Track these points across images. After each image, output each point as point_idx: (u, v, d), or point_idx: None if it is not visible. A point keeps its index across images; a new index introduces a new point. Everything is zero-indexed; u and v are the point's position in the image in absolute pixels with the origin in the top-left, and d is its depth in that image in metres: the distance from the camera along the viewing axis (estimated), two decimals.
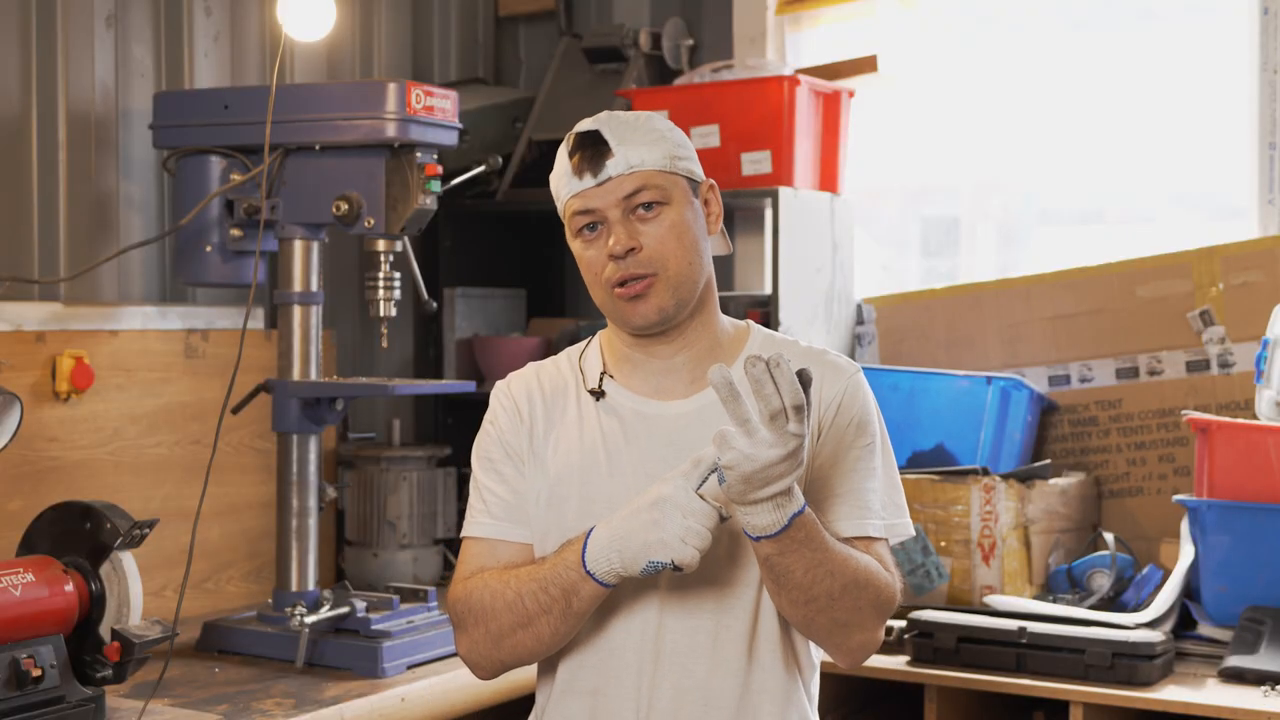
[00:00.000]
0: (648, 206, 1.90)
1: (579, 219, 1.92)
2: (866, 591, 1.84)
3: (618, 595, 1.90)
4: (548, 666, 1.98)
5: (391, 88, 2.81)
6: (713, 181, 2.01)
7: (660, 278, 1.90)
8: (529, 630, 1.87)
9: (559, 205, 1.97)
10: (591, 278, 1.93)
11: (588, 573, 1.81)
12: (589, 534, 1.82)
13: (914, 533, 2.02)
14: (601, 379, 1.98)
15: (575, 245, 1.95)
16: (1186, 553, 3.03)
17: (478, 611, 1.90)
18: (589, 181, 1.90)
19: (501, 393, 2.02)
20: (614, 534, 1.79)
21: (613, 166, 1.90)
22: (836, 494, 1.92)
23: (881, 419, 2.00)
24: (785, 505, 1.73)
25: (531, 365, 2.05)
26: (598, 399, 1.97)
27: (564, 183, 1.94)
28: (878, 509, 1.94)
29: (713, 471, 1.75)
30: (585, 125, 1.93)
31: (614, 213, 1.90)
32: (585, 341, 2.06)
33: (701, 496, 1.76)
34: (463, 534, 2.01)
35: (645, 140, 1.92)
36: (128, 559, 2.39)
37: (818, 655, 2.00)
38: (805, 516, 1.75)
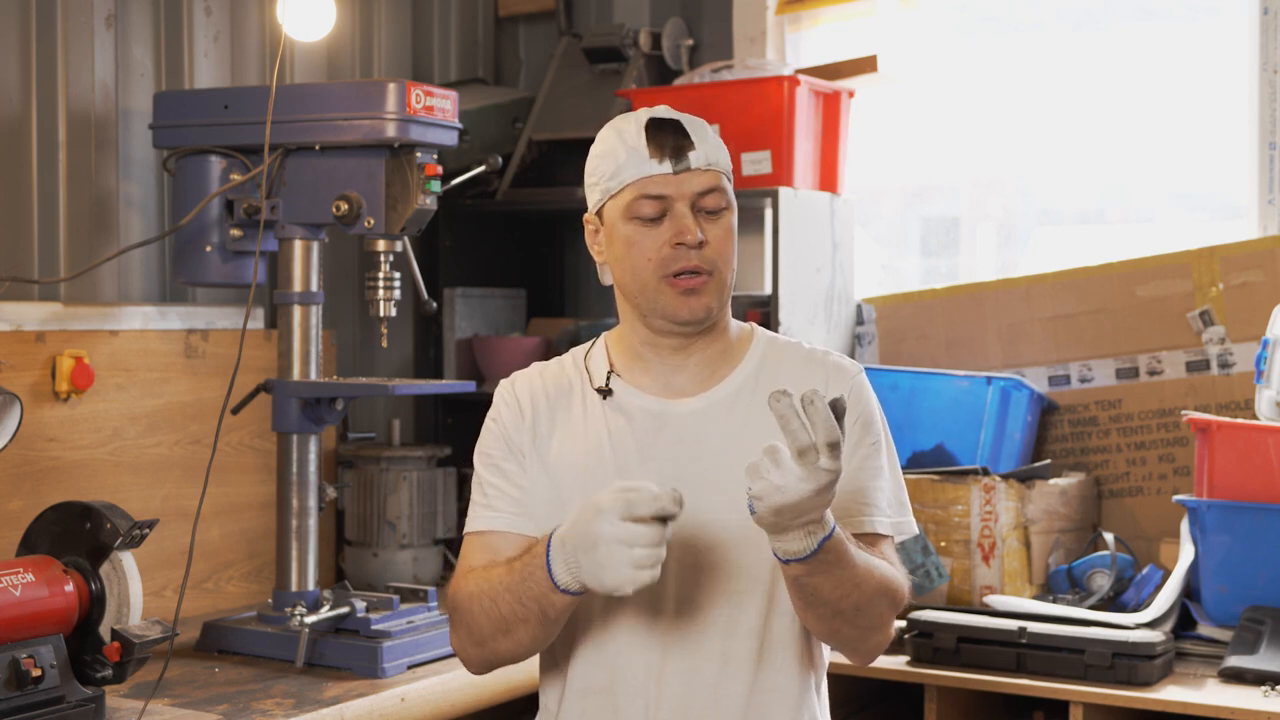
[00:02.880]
0: (714, 210, 1.91)
1: (645, 203, 1.89)
2: (885, 597, 1.86)
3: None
4: (554, 665, 1.98)
5: (391, 88, 2.81)
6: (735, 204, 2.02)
7: (715, 278, 1.91)
8: (509, 637, 1.87)
9: (609, 185, 1.92)
10: (642, 262, 1.90)
11: (555, 585, 1.78)
12: (549, 543, 1.79)
13: (918, 530, 2.03)
14: (609, 378, 1.98)
15: (627, 229, 1.91)
16: (1186, 553, 3.03)
17: (463, 611, 1.91)
18: (667, 167, 1.89)
19: (505, 390, 2.02)
20: (570, 554, 1.76)
21: (694, 159, 1.90)
22: (844, 493, 1.91)
23: (884, 418, 2.01)
24: (816, 531, 1.72)
25: (536, 365, 2.05)
26: (605, 397, 1.97)
27: (630, 164, 1.90)
28: (884, 507, 1.95)
29: (656, 505, 1.71)
30: (659, 112, 1.92)
31: (683, 204, 1.89)
32: (589, 343, 2.06)
33: (641, 520, 1.70)
34: (465, 530, 2.01)
35: (717, 143, 1.94)
36: (128, 559, 2.39)
37: (827, 654, 2.00)
38: (835, 539, 1.75)
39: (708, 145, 1.92)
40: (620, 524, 1.71)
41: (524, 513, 1.95)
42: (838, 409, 1.66)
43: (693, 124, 1.92)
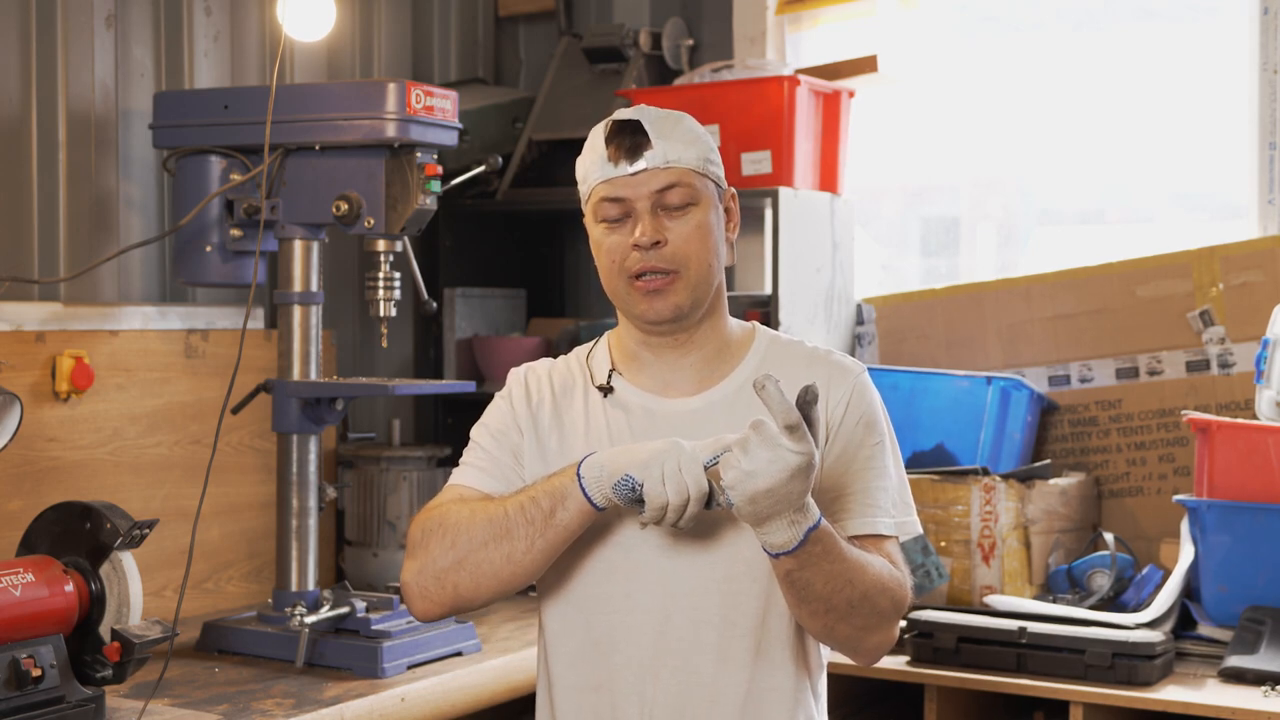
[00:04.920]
0: (677, 206, 1.90)
1: (607, 206, 1.91)
2: (884, 595, 1.85)
3: (622, 589, 1.90)
4: (551, 663, 1.97)
5: (391, 88, 2.81)
6: (734, 190, 2.02)
7: (681, 276, 1.90)
8: (502, 545, 1.83)
9: (583, 189, 1.96)
10: (610, 265, 1.92)
11: (578, 476, 1.80)
12: (592, 452, 1.83)
13: (921, 530, 2.02)
14: (610, 375, 1.99)
15: (596, 231, 1.94)
16: (1186, 553, 3.03)
17: (450, 525, 1.86)
18: (624, 169, 1.90)
19: (518, 375, 2.04)
20: (613, 451, 1.81)
21: (650, 158, 1.89)
22: (847, 493, 1.92)
23: (888, 417, 2.00)
24: (800, 522, 1.73)
25: (545, 360, 2.06)
26: (605, 394, 1.97)
27: (595, 167, 1.93)
28: (888, 507, 1.94)
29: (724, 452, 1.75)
30: (624, 114, 1.92)
31: (643, 204, 1.90)
32: (593, 342, 2.07)
33: (709, 477, 1.75)
34: (450, 482, 1.99)
35: (683, 138, 1.92)
36: (128, 559, 2.39)
37: (826, 655, 2.00)
38: (821, 530, 1.75)
39: (669, 142, 1.90)
40: (696, 456, 1.74)
41: (505, 481, 1.95)
42: (809, 395, 1.69)
43: (659, 122, 1.92)
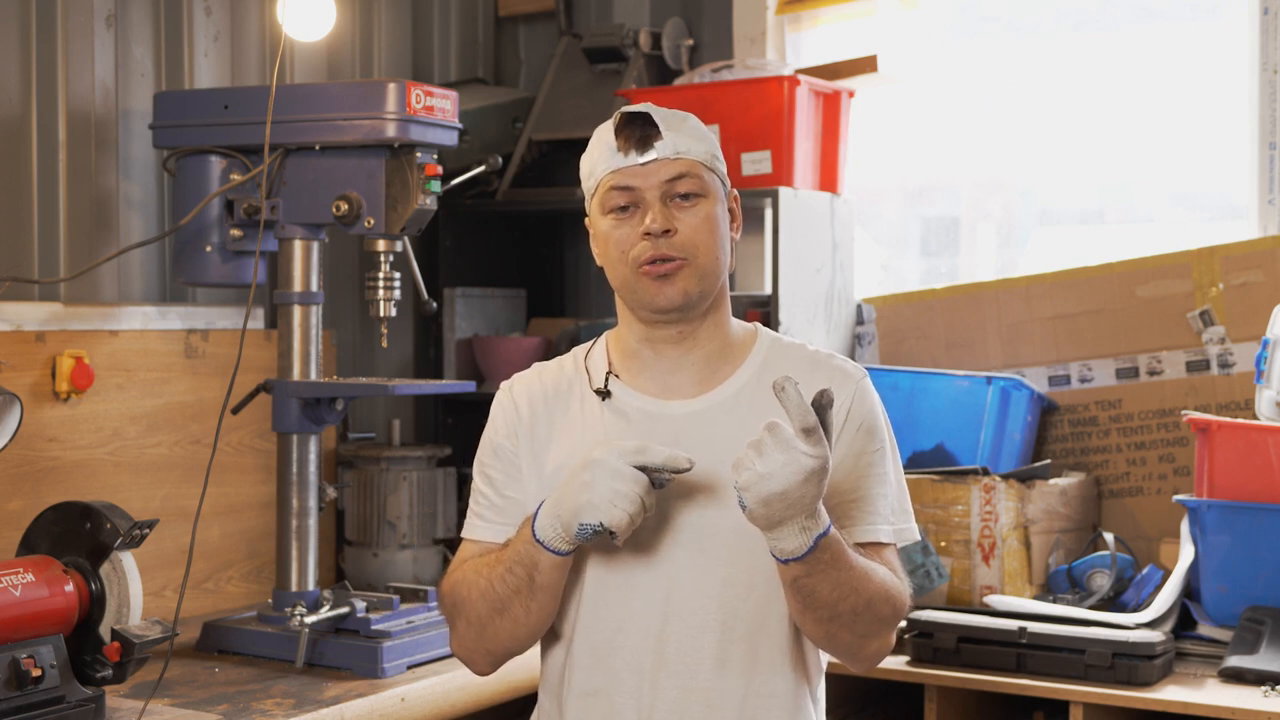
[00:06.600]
0: (686, 195, 1.91)
1: (615, 195, 1.91)
2: (886, 603, 1.85)
3: (619, 595, 1.90)
4: (551, 667, 1.98)
5: (391, 88, 2.81)
6: (737, 192, 2.02)
7: (690, 264, 1.90)
8: (506, 615, 1.88)
9: (589, 182, 1.96)
10: (617, 255, 1.92)
11: (538, 542, 1.83)
12: (539, 507, 1.85)
13: (919, 537, 2.02)
14: (607, 379, 1.98)
15: (603, 224, 1.93)
16: (1186, 553, 3.03)
17: (461, 603, 1.92)
18: (633, 159, 1.90)
19: (503, 395, 2.03)
20: (554, 499, 1.83)
21: (660, 149, 1.90)
22: (848, 500, 1.92)
23: (888, 422, 2.00)
24: (811, 528, 1.73)
25: (535, 366, 2.05)
26: (603, 399, 1.96)
27: (603, 159, 1.93)
28: (888, 515, 1.94)
29: (656, 471, 1.78)
30: (634, 107, 1.93)
31: (653, 194, 1.90)
32: (591, 342, 2.05)
33: (639, 468, 1.78)
34: (463, 534, 2.03)
35: (691, 133, 1.93)
36: (128, 559, 2.39)
37: (825, 658, 1.99)
38: (831, 537, 1.75)
39: (678, 134, 1.91)
40: (619, 460, 1.77)
41: (509, 521, 1.96)
42: (825, 399, 1.69)
43: (667, 116, 1.93)
